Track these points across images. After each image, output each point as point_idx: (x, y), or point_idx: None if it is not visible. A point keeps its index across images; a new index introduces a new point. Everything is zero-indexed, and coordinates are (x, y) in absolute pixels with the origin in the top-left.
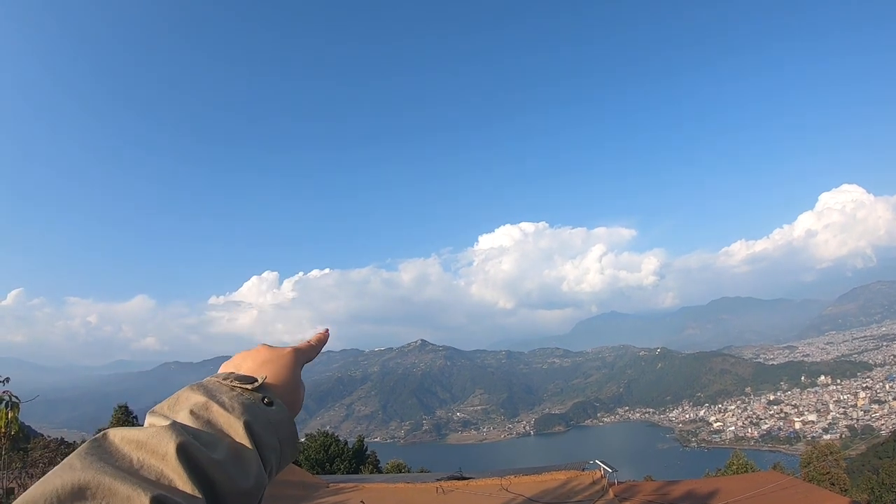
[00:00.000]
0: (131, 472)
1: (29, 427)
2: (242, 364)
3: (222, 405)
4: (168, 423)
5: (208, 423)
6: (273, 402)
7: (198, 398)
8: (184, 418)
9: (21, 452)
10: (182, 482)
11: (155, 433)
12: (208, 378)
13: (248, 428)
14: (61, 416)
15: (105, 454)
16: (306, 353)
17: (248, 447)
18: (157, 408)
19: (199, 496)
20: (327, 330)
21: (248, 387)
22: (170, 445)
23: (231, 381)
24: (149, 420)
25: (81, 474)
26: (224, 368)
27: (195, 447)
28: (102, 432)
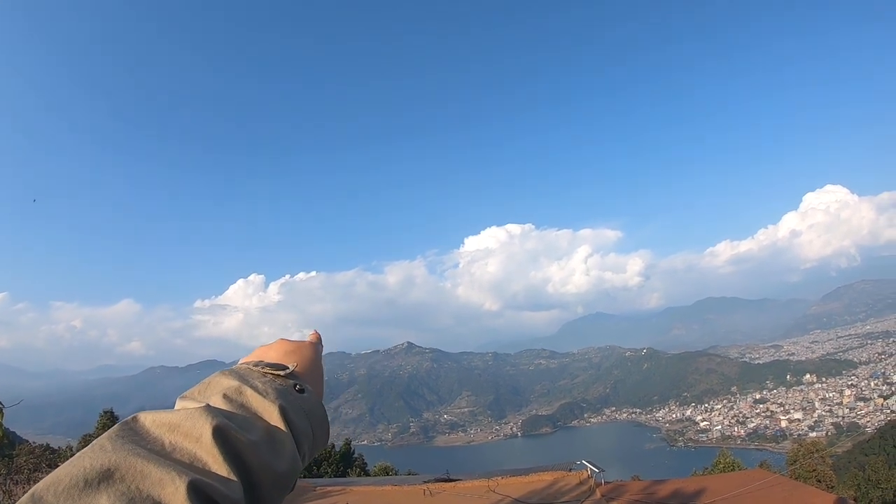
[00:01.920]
0: (163, 455)
1: (14, 433)
2: (266, 356)
3: (256, 389)
4: (202, 405)
5: (242, 406)
6: (304, 388)
7: (231, 382)
8: (217, 402)
9: (6, 459)
10: (217, 465)
11: (189, 415)
12: (238, 364)
13: (283, 412)
14: (47, 421)
15: (136, 436)
16: (320, 347)
17: (283, 430)
18: (187, 393)
19: (235, 480)
20: (315, 332)
21: (280, 373)
22: (205, 427)
23: (262, 368)
24: (179, 404)
25: (112, 455)
26: (247, 360)
27: (231, 429)
28: (133, 415)
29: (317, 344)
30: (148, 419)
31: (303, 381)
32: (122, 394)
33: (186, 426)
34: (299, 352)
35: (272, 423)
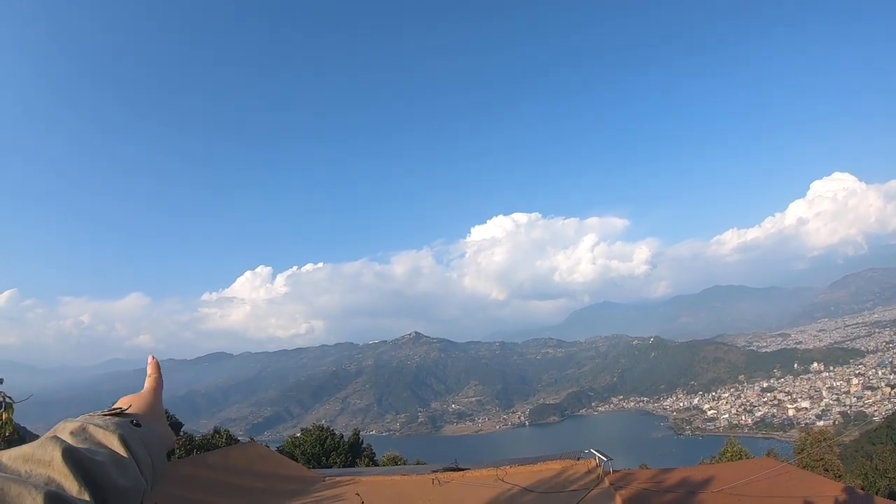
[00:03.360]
0: (21, 480)
1: (24, 428)
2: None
3: (97, 425)
4: (51, 436)
5: (86, 440)
6: (141, 423)
7: (73, 424)
8: (65, 439)
9: None
10: (69, 482)
11: (40, 444)
12: (80, 416)
13: (123, 440)
14: (56, 416)
15: None
16: (158, 384)
17: (124, 455)
18: (39, 438)
19: (87, 494)
20: (153, 357)
21: (116, 411)
22: (55, 451)
23: (100, 413)
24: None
25: None
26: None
27: (79, 451)
28: None
29: (155, 387)
30: (3, 456)
31: (137, 418)
32: (130, 388)
33: (38, 454)
34: (136, 399)
35: (115, 449)
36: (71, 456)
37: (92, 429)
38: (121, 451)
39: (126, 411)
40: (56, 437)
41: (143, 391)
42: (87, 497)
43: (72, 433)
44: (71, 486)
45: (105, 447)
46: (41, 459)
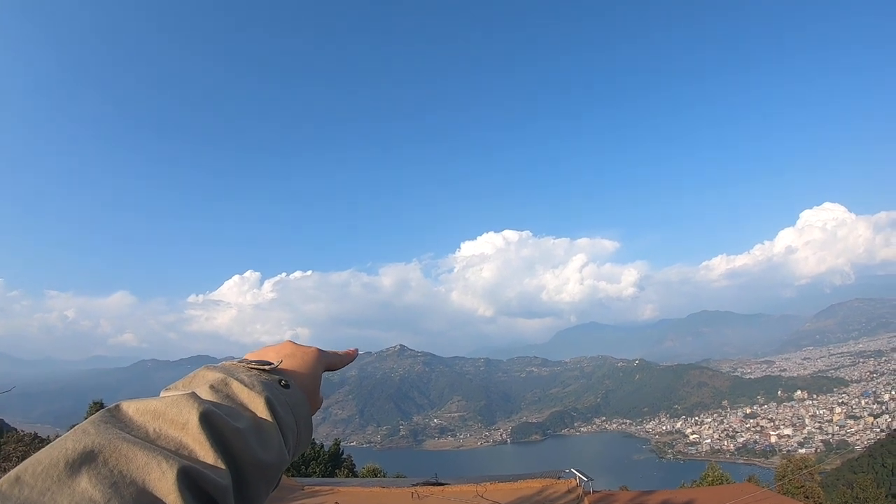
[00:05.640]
0: (149, 442)
1: (2, 421)
2: (265, 355)
3: (242, 381)
4: (187, 392)
5: (228, 397)
6: (289, 384)
7: (216, 375)
8: (203, 393)
9: None
10: (204, 452)
11: (174, 402)
12: (223, 362)
13: (269, 404)
14: (37, 410)
15: (120, 423)
16: (330, 358)
17: (270, 421)
18: (171, 385)
19: (223, 467)
20: (356, 350)
21: (265, 368)
22: (192, 413)
23: (247, 364)
24: (164, 395)
25: (95, 438)
26: (248, 356)
27: (218, 416)
28: (115, 404)
29: (326, 353)
30: (131, 407)
31: (287, 377)
32: (112, 386)
33: (172, 413)
34: (298, 356)
35: (259, 413)
36: (209, 421)
37: (236, 386)
38: (266, 416)
39: (276, 367)
40: (194, 396)
41: (308, 347)
42: (223, 471)
43: (212, 386)
44: (205, 455)
45: (248, 410)
46: (174, 420)
